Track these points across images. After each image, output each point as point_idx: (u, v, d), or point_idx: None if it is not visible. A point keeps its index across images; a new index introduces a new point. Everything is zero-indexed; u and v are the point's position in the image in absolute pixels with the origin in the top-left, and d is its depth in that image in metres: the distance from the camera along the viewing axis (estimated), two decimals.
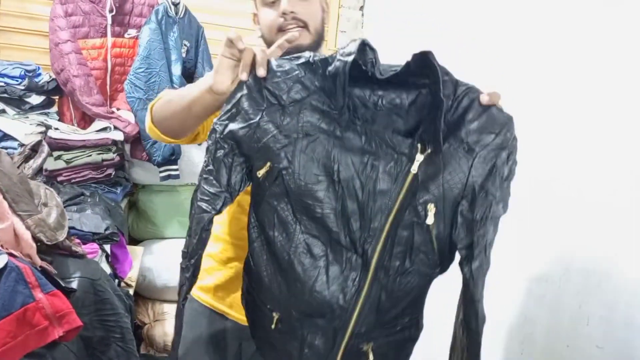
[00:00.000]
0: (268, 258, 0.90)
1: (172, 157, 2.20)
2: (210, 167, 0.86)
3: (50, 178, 1.91)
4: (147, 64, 2.14)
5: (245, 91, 0.83)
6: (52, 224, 1.37)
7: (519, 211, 1.37)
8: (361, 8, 2.81)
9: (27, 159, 1.66)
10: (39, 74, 2.01)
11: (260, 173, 0.84)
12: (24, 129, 1.87)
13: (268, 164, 0.83)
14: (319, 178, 0.81)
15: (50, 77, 2.10)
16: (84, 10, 2.13)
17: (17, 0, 2.41)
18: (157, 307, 2.32)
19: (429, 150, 0.79)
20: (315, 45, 1.07)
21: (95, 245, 1.57)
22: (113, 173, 2.03)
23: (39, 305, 1.16)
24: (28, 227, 1.24)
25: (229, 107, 0.84)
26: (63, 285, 1.28)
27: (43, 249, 1.32)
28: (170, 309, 2.28)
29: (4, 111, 1.88)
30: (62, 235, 1.37)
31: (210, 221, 0.87)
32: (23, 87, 1.89)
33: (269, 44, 1.02)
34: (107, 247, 1.70)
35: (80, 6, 2.12)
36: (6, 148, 1.84)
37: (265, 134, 0.82)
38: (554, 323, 1.32)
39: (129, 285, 1.76)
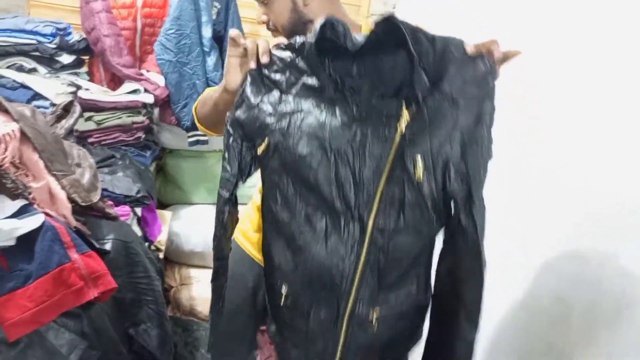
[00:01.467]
0: (276, 234, 0.95)
1: None
2: (225, 154, 0.93)
3: (81, 139, 1.90)
4: (177, 25, 2.09)
5: (249, 80, 0.90)
6: (85, 184, 1.36)
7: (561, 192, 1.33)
8: None
9: (59, 118, 1.63)
10: (70, 33, 1.97)
11: (260, 150, 0.89)
12: (55, 88, 1.85)
13: (266, 139, 0.88)
14: (312, 149, 0.85)
15: (81, 36, 2.06)
16: None
17: None
18: (183, 272, 2.33)
19: (414, 108, 0.81)
20: (292, 35, 1.08)
21: (127, 208, 1.57)
22: (143, 136, 2.01)
23: (74, 266, 1.15)
24: (63, 187, 1.23)
25: (236, 97, 0.92)
26: (97, 246, 1.28)
27: (77, 210, 1.31)
28: (196, 274, 2.30)
29: (35, 70, 1.86)
30: (95, 197, 1.36)
31: (227, 203, 0.94)
32: (54, 46, 1.86)
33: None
34: (138, 210, 1.69)
35: None
36: (38, 107, 1.82)
37: (262, 114, 0.88)
38: (591, 305, 1.28)
39: (158, 249, 1.75)
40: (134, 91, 2.01)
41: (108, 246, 1.32)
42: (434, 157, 0.81)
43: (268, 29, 1.20)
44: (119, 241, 1.36)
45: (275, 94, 0.88)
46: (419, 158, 0.81)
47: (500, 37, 0.83)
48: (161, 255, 1.71)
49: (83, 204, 1.27)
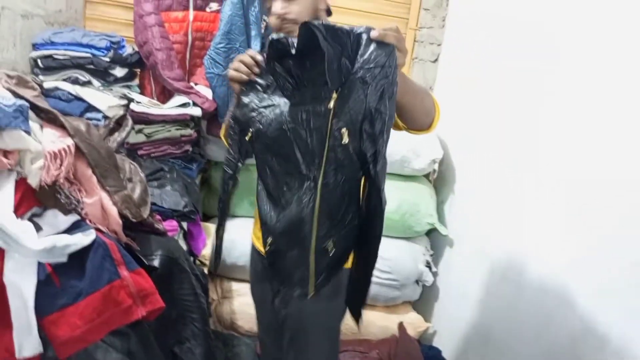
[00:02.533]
0: (266, 200, 1.24)
1: None
2: (229, 140, 1.25)
3: (132, 151, 1.92)
4: (227, 40, 2.10)
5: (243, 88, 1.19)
6: (136, 200, 1.36)
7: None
8: None
9: (111, 132, 1.66)
10: (123, 46, 2.01)
11: (248, 137, 1.20)
12: (107, 100, 1.88)
13: (250, 129, 1.18)
14: (279, 132, 1.13)
15: (133, 49, 2.10)
16: None
17: None
18: (225, 285, 2.32)
19: (338, 89, 1.04)
20: None
21: (174, 223, 1.56)
22: (190, 149, 2.02)
23: (123, 283, 1.15)
24: (115, 203, 1.24)
25: (235, 101, 1.21)
26: (146, 263, 1.27)
27: (127, 225, 1.31)
28: (238, 288, 2.28)
29: (89, 82, 1.89)
30: (145, 212, 1.36)
31: (230, 178, 1.29)
32: (108, 59, 1.89)
33: None
34: (185, 224, 1.69)
35: None
36: (91, 119, 1.86)
37: (249, 110, 1.18)
38: None
39: (203, 264, 1.75)
40: (183, 104, 2.02)
41: (156, 262, 1.32)
42: (353, 125, 1.05)
43: (284, 24, 1.22)
44: (166, 257, 1.35)
45: (258, 92, 1.17)
46: (344, 128, 1.05)
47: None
48: (205, 270, 1.70)
49: (134, 219, 1.27)
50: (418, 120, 1.19)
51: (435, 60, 2.69)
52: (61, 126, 1.20)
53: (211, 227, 2.14)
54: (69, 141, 1.18)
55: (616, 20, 1.39)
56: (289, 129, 1.12)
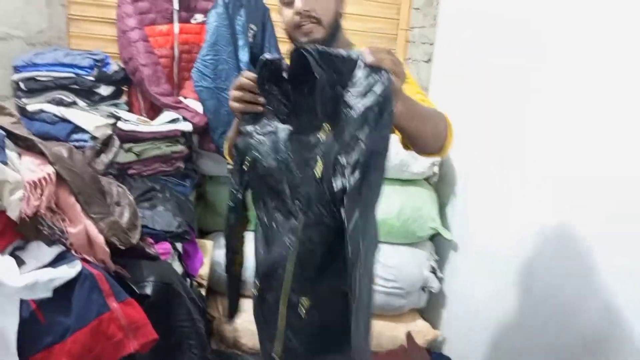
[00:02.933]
0: (260, 237, 1.13)
1: None
2: (232, 171, 1.15)
3: (122, 171, 1.86)
4: (214, 51, 2.04)
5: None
6: (125, 225, 1.30)
7: None
8: None
9: (98, 153, 1.60)
10: (108, 63, 1.95)
11: (246, 166, 1.08)
12: (94, 121, 1.82)
13: (247, 157, 1.08)
14: (274, 162, 1.03)
15: (119, 66, 2.04)
16: None
17: None
18: (225, 302, 2.26)
19: (330, 120, 0.93)
20: (330, 37, 1.16)
21: (167, 245, 1.50)
22: (182, 166, 1.96)
23: (113, 316, 1.09)
24: (101, 231, 1.18)
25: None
26: (137, 291, 1.21)
27: (116, 252, 1.25)
28: (240, 304, 2.21)
29: (74, 103, 1.84)
30: (135, 237, 1.30)
31: (232, 211, 1.16)
32: (93, 78, 1.84)
33: (290, 37, 1.18)
34: (179, 245, 1.63)
35: None
36: (78, 141, 1.80)
37: (249, 137, 1.08)
38: None
39: (200, 285, 1.69)
40: (173, 120, 1.97)
41: (148, 290, 1.26)
42: (329, 156, 0.92)
43: (310, 21, 1.14)
44: (159, 283, 1.29)
45: (261, 120, 1.07)
46: (319, 159, 0.94)
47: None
48: (203, 292, 1.64)
49: (122, 247, 1.21)
50: (427, 146, 1.07)
51: (429, 60, 2.63)
52: (41, 153, 1.14)
53: (208, 244, 2.08)
54: (49, 169, 1.12)
55: (601, 18, 1.35)
56: (282, 160, 1.02)
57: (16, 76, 1.80)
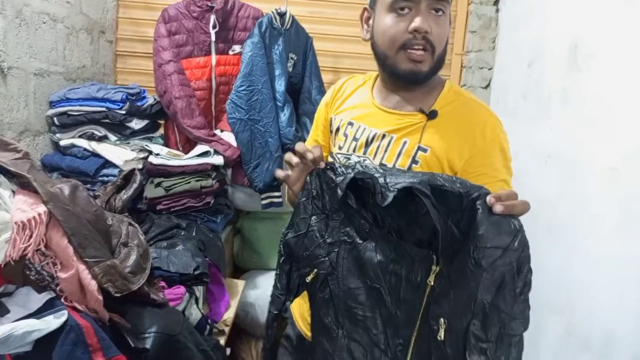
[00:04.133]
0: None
1: (275, 183, 1.99)
2: (277, 271, 1.00)
3: (151, 207, 1.80)
4: (249, 82, 1.97)
5: (303, 196, 0.94)
6: (128, 267, 1.20)
7: None
8: (495, 2, 2.37)
9: (119, 189, 1.54)
10: (143, 97, 1.92)
11: (309, 278, 0.92)
12: (123, 155, 1.78)
13: (315, 270, 0.91)
14: (359, 283, 0.87)
15: (155, 99, 2.01)
16: (187, 28, 2.03)
17: (133, 25, 2.43)
18: (260, 345, 2.12)
19: (441, 264, 0.80)
20: (433, 72, 1.00)
21: (181, 290, 1.39)
22: (212, 201, 1.87)
23: None
24: (95, 276, 1.07)
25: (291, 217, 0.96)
26: (133, 344, 1.09)
27: (117, 298, 1.15)
28: None
29: (106, 137, 1.81)
30: (138, 282, 1.19)
31: (275, 319, 1.00)
32: (124, 112, 1.80)
33: (379, 53, 1.01)
34: (199, 288, 1.51)
35: (184, 24, 2.02)
36: (108, 176, 1.77)
37: (312, 243, 0.91)
38: None
39: (220, 332, 1.55)
40: (204, 153, 1.89)
41: (148, 342, 1.13)
42: (457, 320, 0.79)
43: (424, 46, 0.95)
44: (162, 335, 1.17)
45: (322, 220, 0.91)
46: (441, 320, 0.80)
47: None
48: (222, 341, 1.50)
49: (117, 294, 1.10)
50: None
51: (487, 86, 2.41)
52: (35, 192, 1.07)
53: (239, 285, 1.96)
54: (42, 209, 1.05)
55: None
56: (372, 287, 0.86)
57: (50, 111, 1.80)
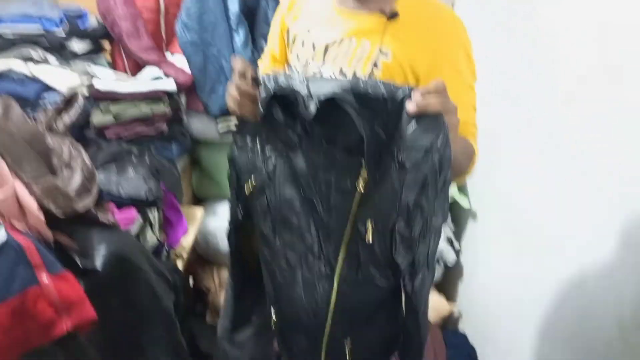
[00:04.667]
0: (264, 269, 1.05)
1: None
2: (230, 187, 1.04)
3: (99, 134, 1.71)
4: (199, 1, 1.84)
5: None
6: (73, 189, 1.14)
7: None
8: None
9: (60, 112, 1.45)
10: (82, 16, 1.78)
11: (247, 190, 0.95)
12: (66, 79, 1.67)
13: (252, 176, 0.94)
14: (294, 193, 0.90)
15: (99, 22, 1.87)
16: None
17: None
18: (222, 273, 2.12)
19: (369, 170, 0.82)
20: None
21: (132, 213, 1.34)
22: (165, 128, 1.79)
23: (43, 292, 0.94)
24: (34, 194, 1.02)
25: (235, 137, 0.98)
26: (81, 264, 1.06)
27: (62, 220, 1.10)
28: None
29: (46, 60, 1.69)
30: (84, 203, 1.14)
31: (234, 232, 1.07)
32: (63, 33, 1.67)
33: None
34: (153, 214, 1.47)
35: None
36: (49, 101, 1.65)
37: (251, 153, 0.94)
38: None
39: (178, 257, 1.53)
40: (155, 78, 1.79)
41: (98, 263, 1.10)
42: (383, 221, 0.82)
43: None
44: (113, 256, 1.13)
45: (261, 133, 0.93)
46: (369, 222, 0.83)
47: None
48: (180, 264, 1.48)
49: (60, 215, 1.05)
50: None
51: None
52: None
53: (198, 212, 1.93)
54: None
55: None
56: (304, 195, 0.89)
57: None
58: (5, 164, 0.99)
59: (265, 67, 1.22)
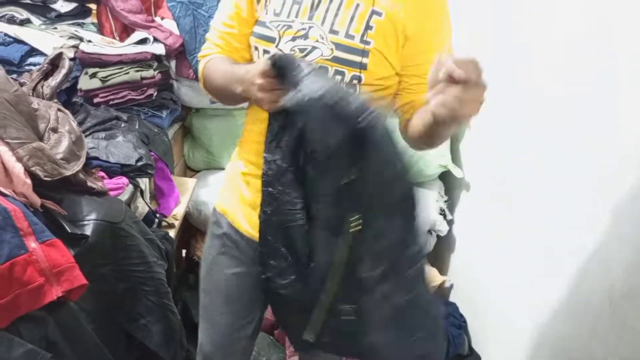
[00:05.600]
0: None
1: None
2: None
3: (87, 99, 1.66)
4: None
5: None
6: (60, 154, 1.11)
7: None
8: None
9: (46, 75, 1.39)
10: None
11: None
12: (52, 41, 1.61)
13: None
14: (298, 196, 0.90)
15: None
16: None
17: None
18: None
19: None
20: None
21: (123, 180, 1.31)
22: (155, 94, 1.74)
23: (31, 258, 0.92)
24: (19, 159, 0.98)
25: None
26: (70, 230, 1.03)
27: (50, 185, 1.07)
28: None
29: (28, 21, 1.62)
30: (72, 168, 1.11)
31: None
32: None
33: None
34: (143, 181, 1.44)
35: None
36: (34, 64, 1.60)
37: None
38: None
39: (170, 226, 1.51)
40: (142, 41, 1.74)
41: (88, 229, 1.08)
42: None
43: None
44: (103, 222, 1.11)
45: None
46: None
47: None
48: (172, 233, 1.46)
49: (48, 178, 1.02)
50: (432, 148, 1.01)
51: None
52: None
53: (190, 182, 1.90)
54: None
55: None
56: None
57: None
58: None
59: (236, 35, 1.02)
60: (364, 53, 0.91)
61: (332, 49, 0.93)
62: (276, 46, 0.95)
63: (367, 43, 0.92)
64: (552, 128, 1.38)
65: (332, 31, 0.94)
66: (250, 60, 1.01)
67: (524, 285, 1.50)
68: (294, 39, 0.94)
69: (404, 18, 0.92)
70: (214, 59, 1.03)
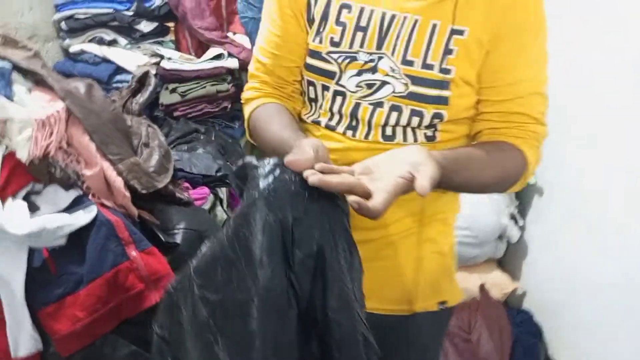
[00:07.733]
0: None
1: None
2: None
3: (167, 113, 1.77)
4: None
5: None
6: (152, 167, 1.19)
7: None
8: None
9: (134, 93, 1.50)
10: None
11: None
12: (136, 60, 1.72)
13: None
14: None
15: (163, 0, 1.91)
16: None
17: None
18: None
19: None
20: None
21: (205, 190, 1.39)
22: (229, 106, 1.82)
23: (132, 266, 0.99)
24: (120, 173, 1.07)
25: None
26: (164, 239, 1.11)
27: (142, 197, 1.15)
28: None
29: (115, 41, 1.74)
30: (163, 181, 1.19)
31: None
32: (132, 13, 1.72)
33: None
34: (223, 191, 1.52)
35: None
36: (121, 82, 1.72)
37: None
38: None
39: None
40: (217, 56, 1.82)
41: (178, 238, 1.15)
42: None
43: None
44: (191, 231, 1.18)
45: None
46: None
47: None
48: None
49: (144, 191, 1.10)
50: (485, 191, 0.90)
51: None
52: (50, 89, 1.04)
53: None
54: (60, 105, 1.02)
55: None
56: None
57: (57, 15, 1.72)
58: (94, 145, 1.04)
59: (284, 57, 0.84)
60: (443, 84, 0.75)
61: (406, 84, 0.76)
62: (337, 82, 0.79)
63: (447, 72, 0.75)
64: (630, 136, 1.32)
65: (406, 62, 0.76)
66: (300, 85, 0.86)
67: (603, 292, 1.44)
68: (359, 72, 0.78)
69: (488, 30, 0.75)
70: (260, 111, 0.85)
